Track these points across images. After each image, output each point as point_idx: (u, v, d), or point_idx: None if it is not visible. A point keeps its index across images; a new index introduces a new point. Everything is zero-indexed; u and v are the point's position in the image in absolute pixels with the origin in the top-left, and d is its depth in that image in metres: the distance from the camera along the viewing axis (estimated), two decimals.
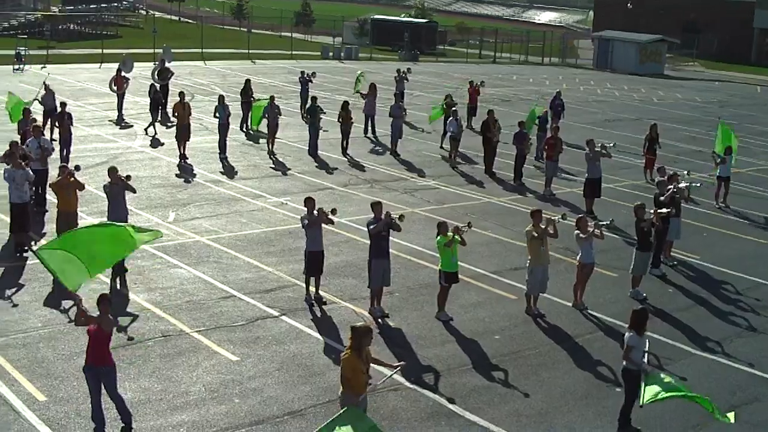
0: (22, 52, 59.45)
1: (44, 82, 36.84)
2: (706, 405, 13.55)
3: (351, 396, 12.64)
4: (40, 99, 35.35)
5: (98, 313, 13.71)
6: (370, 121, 40.20)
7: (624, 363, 14.77)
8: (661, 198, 23.21)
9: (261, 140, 37.48)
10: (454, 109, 37.18)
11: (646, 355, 14.69)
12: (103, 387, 13.80)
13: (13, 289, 19.69)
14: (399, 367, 13.66)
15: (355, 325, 13.04)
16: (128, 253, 16.16)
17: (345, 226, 25.15)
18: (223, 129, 34.54)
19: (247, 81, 40.79)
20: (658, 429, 15.25)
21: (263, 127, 37.04)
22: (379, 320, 19.09)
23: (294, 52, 77.82)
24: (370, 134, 40.05)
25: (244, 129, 39.52)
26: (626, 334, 14.87)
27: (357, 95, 42.53)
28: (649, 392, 13.71)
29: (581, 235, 20.02)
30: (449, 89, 44.82)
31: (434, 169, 34.36)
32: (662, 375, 14.25)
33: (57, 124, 31.32)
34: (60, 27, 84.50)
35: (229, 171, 32.09)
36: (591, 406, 15.76)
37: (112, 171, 21.16)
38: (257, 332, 18.18)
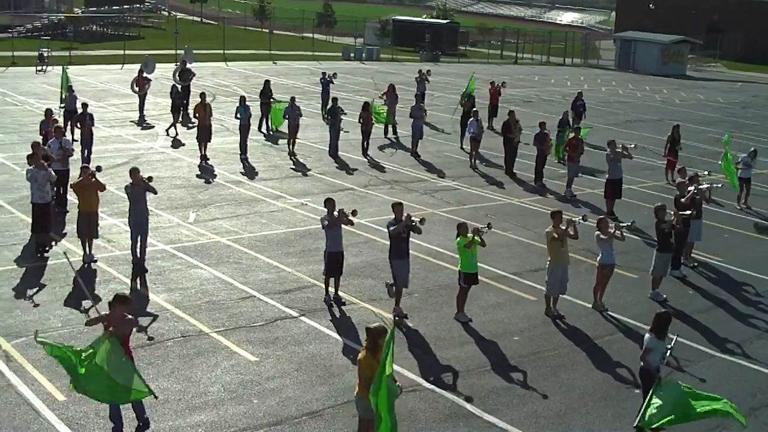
0: (45, 54, 59.88)
1: (69, 85, 36.96)
2: (722, 414, 13.33)
3: (366, 397, 12.67)
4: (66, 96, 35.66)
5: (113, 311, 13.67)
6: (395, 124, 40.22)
7: (642, 363, 14.72)
8: (682, 200, 23.11)
9: (280, 141, 37.55)
10: (474, 109, 37.10)
11: (668, 353, 14.58)
12: None
13: (34, 289, 19.80)
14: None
15: (370, 326, 13.04)
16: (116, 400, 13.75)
17: (364, 227, 25.16)
18: (244, 130, 34.61)
19: (267, 82, 40.80)
20: (679, 429, 15.15)
21: (284, 127, 37.13)
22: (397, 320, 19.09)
23: (315, 53, 78.00)
24: (391, 135, 40.06)
25: (263, 130, 39.54)
26: (646, 336, 14.80)
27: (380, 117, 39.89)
28: (652, 412, 13.37)
29: (602, 236, 19.95)
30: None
31: (454, 169, 34.33)
32: (679, 384, 13.86)
33: (78, 124, 31.44)
34: (82, 28, 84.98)
35: (250, 172, 32.16)
36: (610, 407, 15.70)
37: (134, 172, 21.29)
38: (276, 333, 18.22)
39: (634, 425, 13.69)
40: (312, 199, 28.26)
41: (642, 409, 13.49)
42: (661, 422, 13.35)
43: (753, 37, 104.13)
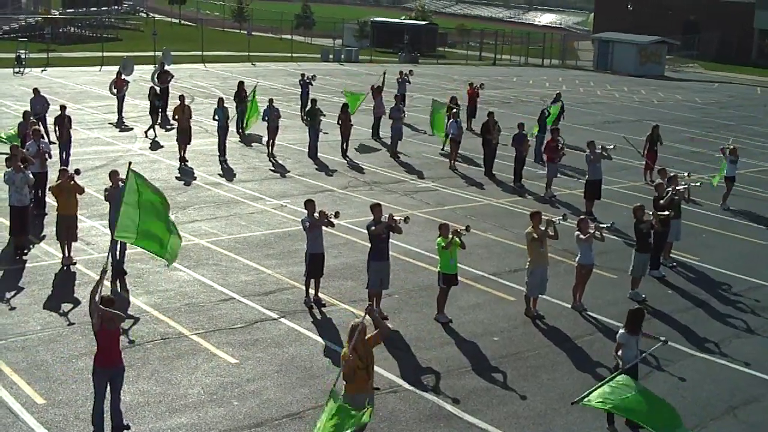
0: (23, 55, 59.52)
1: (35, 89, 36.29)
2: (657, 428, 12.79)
3: (349, 396, 12.79)
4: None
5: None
6: (380, 123, 40.27)
7: (615, 360, 14.93)
8: (661, 201, 23.19)
9: (254, 143, 37.47)
10: (454, 110, 37.17)
11: (645, 353, 14.76)
12: (111, 388, 13.83)
13: (13, 292, 19.71)
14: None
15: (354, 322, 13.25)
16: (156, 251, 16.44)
17: (344, 228, 25.13)
18: (223, 131, 34.50)
19: (240, 83, 40.59)
20: None
21: (261, 129, 36.93)
22: None
23: (294, 55, 77.85)
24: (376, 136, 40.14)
25: (240, 132, 39.20)
26: (619, 331, 15.01)
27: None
28: (598, 396, 13.16)
29: (581, 236, 20.04)
30: (451, 91, 44.50)
31: (434, 170, 34.37)
32: (635, 385, 13.55)
33: (57, 127, 31.11)
34: (60, 30, 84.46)
35: (229, 173, 32.10)
36: (589, 408, 15.71)
37: (113, 174, 21.20)
38: (256, 335, 18.20)
39: (573, 401, 13.38)
40: (291, 201, 28.25)
41: (591, 390, 13.34)
42: (599, 404, 13.21)
43: (729, 38, 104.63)
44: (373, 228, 19.06)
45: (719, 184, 31.01)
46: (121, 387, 14.01)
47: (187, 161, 33.05)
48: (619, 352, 14.85)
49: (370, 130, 40.31)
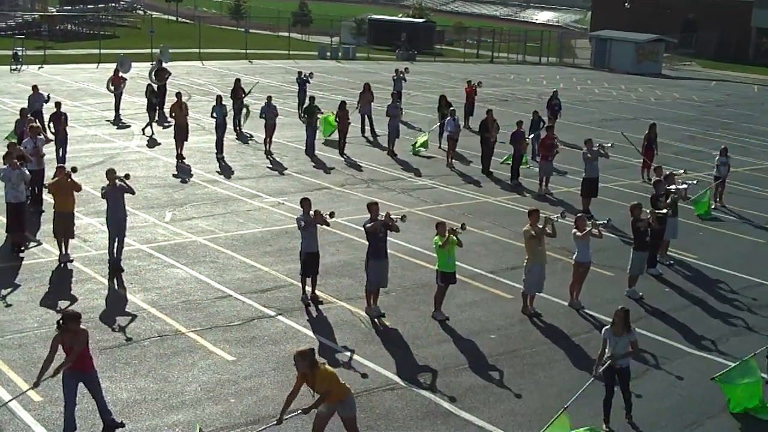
0: (20, 52, 59.37)
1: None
2: None
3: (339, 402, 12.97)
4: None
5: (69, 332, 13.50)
6: (367, 121, 40.21)
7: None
8: (660, 200, 23.17)
9: (250, 141, 37.48)
10: (452, 108, 37.11)
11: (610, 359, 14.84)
12: (90, 392, 13.79)
13: (9, 289, 19.67)
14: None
15: (301, 349, 13.06)
16: None
17: (341, 226, 25.12)
18: (220, 129, 34.47)
19: (237, 81, 40.53)
20: (655, 428, 15.27)
21: (258, 127, 36.92)
22: (376, 320, 19.11)
23: (291, 52, 77.75)
24: (368, 134, 40.03)
25: (237, 129, 39.21)
26: (604, 329, 15.18)
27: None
28: None
29: (578, 233, 20.04)
30: (449, 89, 44.42)
31: (431, 168, 34.36)
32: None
33: (52, 123, 30.99)
34: (57, 27, 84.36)
35: (226, 171, 32.06)
36: (586, 405, 15.68)
37: (110, 173, 21.12)
38: (253, 332, 18.18)
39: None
40: (289, 198, 28.21)
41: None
42: None
43: (727, 36, 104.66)
44: (369, 225, 19.04)
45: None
46: (100, 390, 13.86)
47: (184, 158, 33.01)
48: (606, 350, 14.89)
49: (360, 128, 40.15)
